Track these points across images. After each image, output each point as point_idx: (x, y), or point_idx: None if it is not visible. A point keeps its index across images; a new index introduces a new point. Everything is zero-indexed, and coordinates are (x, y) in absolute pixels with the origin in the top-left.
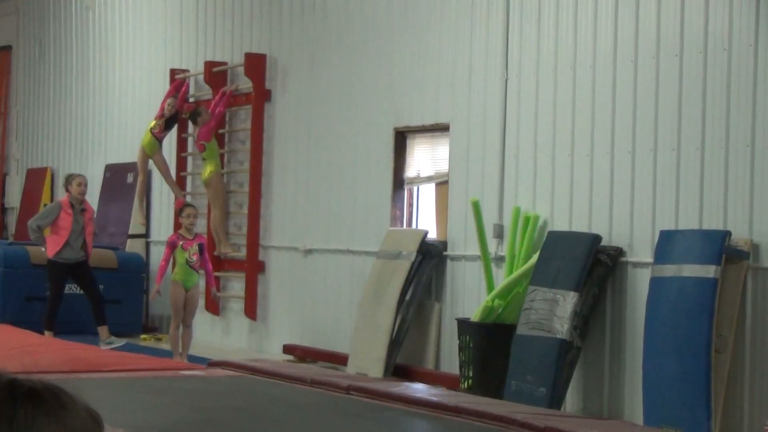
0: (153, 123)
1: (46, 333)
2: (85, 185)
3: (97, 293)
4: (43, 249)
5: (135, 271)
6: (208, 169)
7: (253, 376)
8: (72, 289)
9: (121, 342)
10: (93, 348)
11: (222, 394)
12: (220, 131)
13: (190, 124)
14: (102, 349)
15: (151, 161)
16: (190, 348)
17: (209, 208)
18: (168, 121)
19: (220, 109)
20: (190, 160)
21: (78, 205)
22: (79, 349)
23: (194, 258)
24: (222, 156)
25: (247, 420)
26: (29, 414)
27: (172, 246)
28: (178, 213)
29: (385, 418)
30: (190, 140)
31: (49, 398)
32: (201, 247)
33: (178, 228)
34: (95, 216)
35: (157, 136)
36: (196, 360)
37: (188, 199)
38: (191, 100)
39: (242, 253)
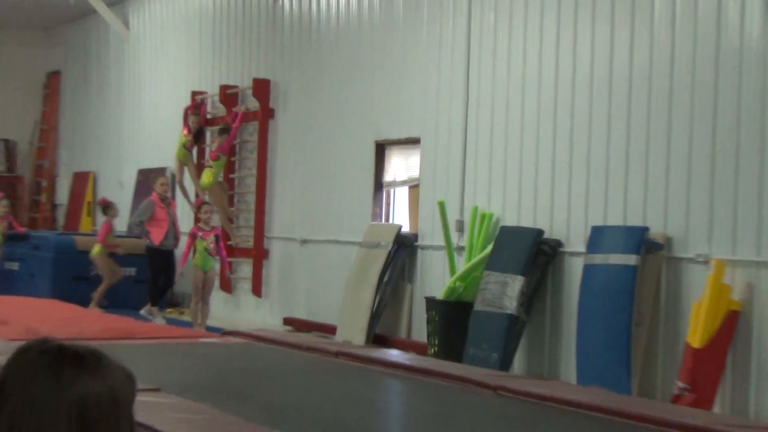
0: (184, 139)
1: (153, 307)
2: (168, 184)
3: (171, 278)
4: (147, 240)
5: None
6: (210, 177)
7: (259, 343)
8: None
9: (157, 318)
10: (128, 320)
11: (233, 358)
12: (233, 143)
13: (208, 138)
14: (137, 320)
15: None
16: (207, 320)
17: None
18: (195, 135)
19: (235, 127)
20: (237, 163)
21: (165, 200)
22: (117, 321)
23: (211, 246)
24: (233, 163)
25: (253, 380)
26: (74, 373)
27: (193, 236)
28: (198, 209)
29: (367, 378)
30: (238, 146)
31: (91, 360)
32: (217, 237)
33: (198, 222)
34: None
35: (189, 149)
36: (212, 330)
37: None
38: (209, 116)
39: (250, 243)
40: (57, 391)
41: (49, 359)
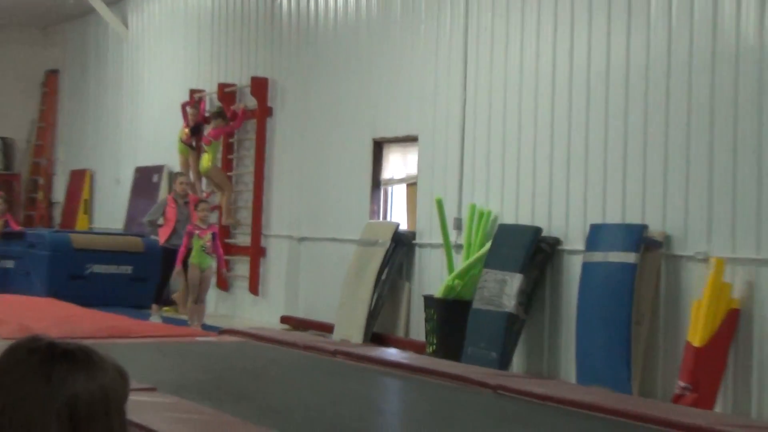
0: (181, 133)
1: (154, 306)
2: (188, 183)
3: (168, 276)
4: (157, 238)
5: (158, 254)
6: (208, 162)
7: (256, 342)
8: (107, 269)
9: (154, 316)
10: (123, 318)
11: (230, 357)
12: (230, 140)
13: (235, 135)
14: (132, 319)
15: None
16: (203, 318)
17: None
18: (193, 129)
19: (235, 125)
20: (235, 161)
21: (181, 199)
22: (112, 319)
23: (208, 245)
24: (231, 161)
25: (250, 379)
26: (64, 371)
27: (189, 235)
28: (194, 207)
29: (365, 377)
30: (235, 144)
31: (82, 357)
32: (214, 235)
33: (194, 220)
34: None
35: (186, 142)
36: (208, 328)
37: (203, 190)
38: (207, 114)
39: (247, 241)
40: (47, 390)
41: (39, 358)
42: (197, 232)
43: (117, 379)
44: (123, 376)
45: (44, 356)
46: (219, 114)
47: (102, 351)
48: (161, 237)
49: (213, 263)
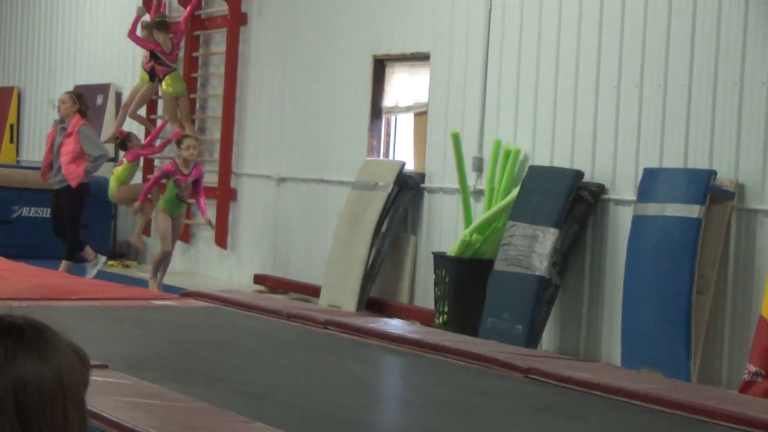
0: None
1: (88, 251)
2: (64, 102)
3: (69, 231)
4: None
5: (103, 195)
6: (181, 82)
7: (228, 308)
8: (38, 212)
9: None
10: (62, 274)
11: (197, 326)
12: (194, 54)
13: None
14: (70, 276)
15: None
16: (164, 276)
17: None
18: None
19: (187, 13)
20: (199, 81)
21: (59, 125)
22: (47, 276)
23: (185, 193)
24: (195, 80)
25: (224, 354)
26: (10, 351)
27: (165, 175)
28: (178, 144)
29: (364, 355)
30: (200, 59)
31: (32, 334)
32: (196, 182)
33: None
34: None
35: (144, 67)
36: (166, 289)
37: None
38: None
39: (214, 181)
40: None
41: None
42: (178, 177)
43: (75, 362)
44: (82, 358)
45: None
46: (163, 24)
47: (54, 325)
48: None
49: (184, 209)
